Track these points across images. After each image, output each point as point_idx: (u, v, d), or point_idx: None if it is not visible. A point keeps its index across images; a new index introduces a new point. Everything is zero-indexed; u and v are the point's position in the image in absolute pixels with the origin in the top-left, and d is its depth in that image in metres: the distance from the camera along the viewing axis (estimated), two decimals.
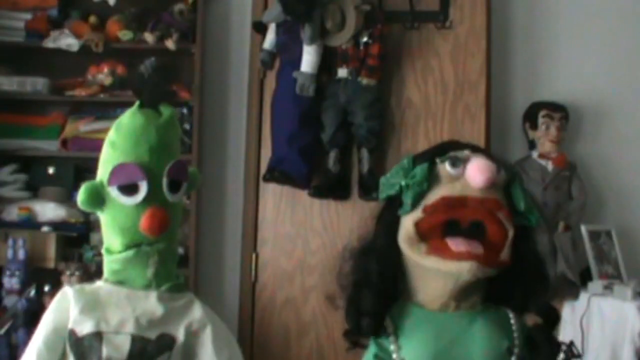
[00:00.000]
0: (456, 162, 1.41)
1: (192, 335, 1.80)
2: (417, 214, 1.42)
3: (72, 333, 1.76)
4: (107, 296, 1.80)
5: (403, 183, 1.44)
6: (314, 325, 3.45)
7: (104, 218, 1.83)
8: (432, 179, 1.43)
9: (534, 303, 1.48)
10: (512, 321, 1.46)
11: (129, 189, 1.77)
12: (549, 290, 1.50)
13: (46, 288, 3.27)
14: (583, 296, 3.13)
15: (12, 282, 3.32)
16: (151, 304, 1.79)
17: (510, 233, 1.41)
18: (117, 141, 1.80)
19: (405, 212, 1.44)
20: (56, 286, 3.28)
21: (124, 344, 1.74)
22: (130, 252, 1.79)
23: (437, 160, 1.43)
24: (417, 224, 1.42)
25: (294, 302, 3.48)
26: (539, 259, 1.50)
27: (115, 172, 1.78)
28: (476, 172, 1.39)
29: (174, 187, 1.81)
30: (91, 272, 3.31)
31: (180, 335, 1.79)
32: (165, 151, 1.81)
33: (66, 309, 1.78)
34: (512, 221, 1.42)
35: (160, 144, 1.80)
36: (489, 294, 1.48)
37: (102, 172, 1.83)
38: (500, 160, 1.47)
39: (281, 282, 3.49)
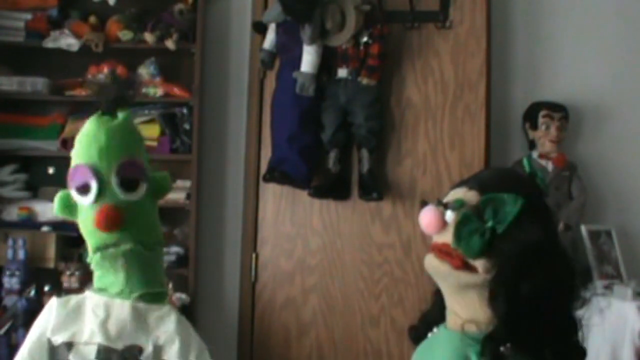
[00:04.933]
0: (423, 206, 1.45)
1: (159, 349, 1.81)
2: None
3: (49, 342, 1.81)
4: (89, 306, 1.84)
5: None
6: (314, 325, 3.45)
7: (80, 224, 1.87)
8: None
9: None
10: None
11: (83, 190, 1.80)
12: None
13: (46, 288, 3.28)
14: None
15: (12, 282, 3.32)
16: (124, 313, 1.81)
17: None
18: (76, 148, 1.85)
19: None
20: (56, 286, 3.30)
21: (90, 353, 1.78)
22: (97, 256, 1.82)
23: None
24: None
25: (294, 302, 3.47)
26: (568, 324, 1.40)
27: (71, 174, 1.83)
28: (420, 222, 1.43)
29: (128, 185, 1.81)
30: (91, 272, 3.32)
31: (148, 346, 1.80)
32: (115, 151, 1.81)
33: (48, 319, 1.84)
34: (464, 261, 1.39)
35: (109, 144, 1.81)
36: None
37: None
38: (478, 187, 1.42)
39: (281, 282, 3.49)
